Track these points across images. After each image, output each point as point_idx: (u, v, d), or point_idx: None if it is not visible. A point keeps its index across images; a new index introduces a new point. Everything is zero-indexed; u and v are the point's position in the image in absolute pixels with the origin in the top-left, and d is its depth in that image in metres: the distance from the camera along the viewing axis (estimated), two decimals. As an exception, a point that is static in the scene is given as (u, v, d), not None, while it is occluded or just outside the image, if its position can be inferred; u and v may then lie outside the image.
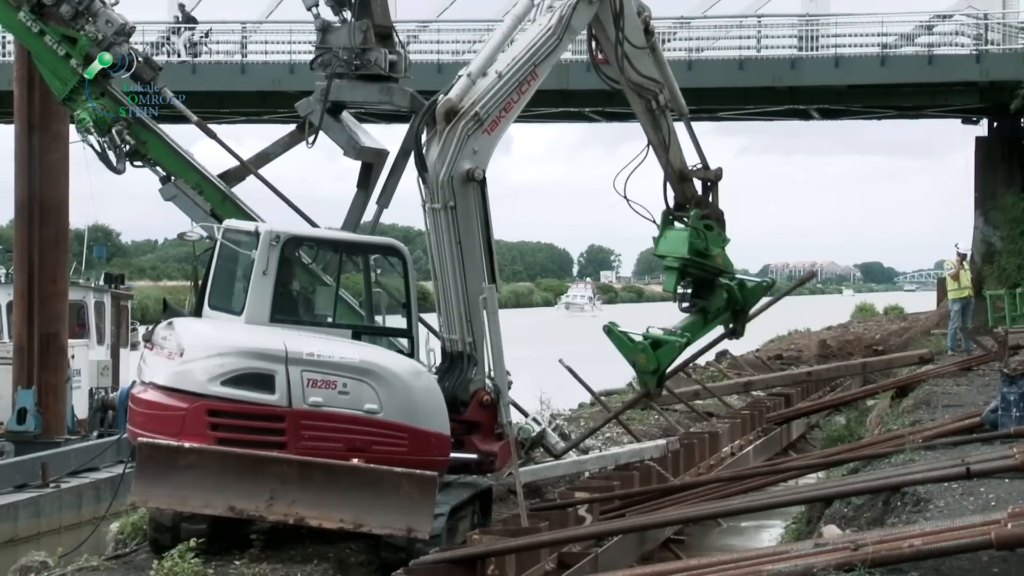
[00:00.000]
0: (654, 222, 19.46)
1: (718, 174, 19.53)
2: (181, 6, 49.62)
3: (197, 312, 15.99)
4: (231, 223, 16.42)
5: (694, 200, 19.48)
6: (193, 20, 50.52)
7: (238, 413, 14.77)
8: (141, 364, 15.69)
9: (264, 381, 14.82)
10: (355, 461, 14.09)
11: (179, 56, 47.33)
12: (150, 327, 15.73)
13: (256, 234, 15.68)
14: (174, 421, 14.70)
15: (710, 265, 19.32)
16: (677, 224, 19.50)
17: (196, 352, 14.89)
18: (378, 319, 16.65)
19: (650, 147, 19.21)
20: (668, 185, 19.55)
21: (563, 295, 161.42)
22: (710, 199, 19.54)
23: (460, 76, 17.10)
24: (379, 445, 15.11)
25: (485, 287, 16.59)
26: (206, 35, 50.37)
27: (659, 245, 19.46)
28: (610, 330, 19.31)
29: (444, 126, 16.65)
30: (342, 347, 15.47)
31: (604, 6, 18.17)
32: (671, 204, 19.61)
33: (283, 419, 14.83)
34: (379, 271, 16.85)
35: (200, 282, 16.36)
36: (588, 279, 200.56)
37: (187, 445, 14.17)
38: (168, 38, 48.25)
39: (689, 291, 19.42)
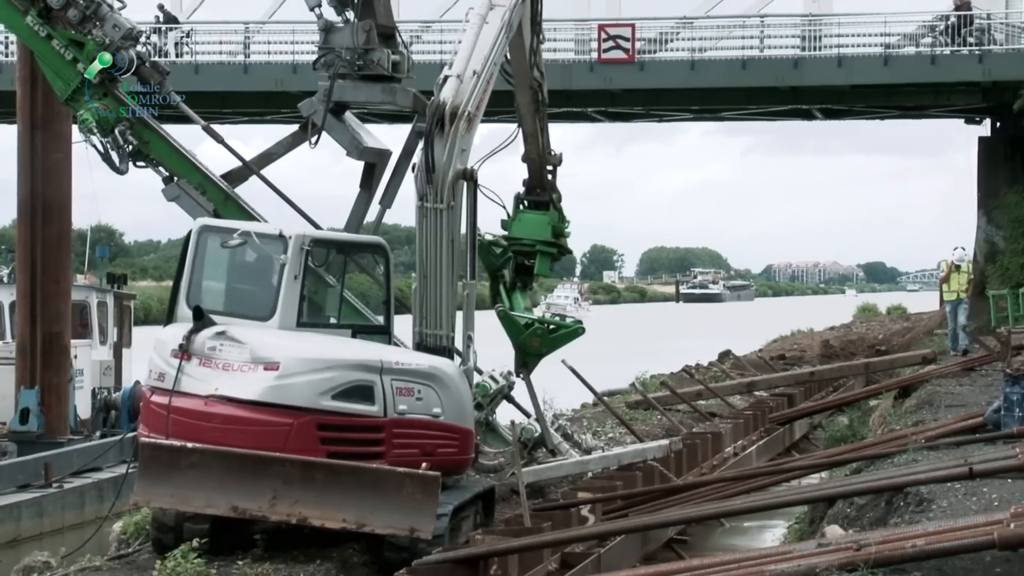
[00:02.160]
0: (503, 207, 19.81)
1: (560, 159, 20.32)
2: (161, 6, 49.53)
3: (170, 314, 15.72)
4: (209, 221, 16.40)
5: (550, 186, 20.20)
6: (174, 20, 50.41)
7: (346, 426, 14.85)
8: (178, 375, 14.89)
9: (366, 392, 14.96)
10: (424, 466, 14.16)
11: (166, 56, 47.22)
12: (187, 337, 14.98)
13: (281, 237, 15.66)
14: (275, 436, 14.46)
15: (563, 245, 20.20)
16: (522, 207, 20.13)
17: (296, 366, 14.69)
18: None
19: (521, 135, 19.78)
20: (528, 170, 20.14)
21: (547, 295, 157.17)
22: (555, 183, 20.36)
23: (448, 77, 17.43)
24: (442, 448, 15.47)
25: (467, 282, 17.12)
26: (187, 35, 50.30)
27: (513, 228, 19.98)
28: (505, 315, 19.55)
29: (449, 127, 16.90)
30: (411, 354, 15.94)
31: (526, 6, 18.92)
32: (522, 188, 20.25)
33: (382, 429, 15.02)
34: (380, 269, 16.91)
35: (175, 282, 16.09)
36: (575, 279, 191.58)
37: (189, 445, 14.13)
38: (148, 38, 48.16)
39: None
